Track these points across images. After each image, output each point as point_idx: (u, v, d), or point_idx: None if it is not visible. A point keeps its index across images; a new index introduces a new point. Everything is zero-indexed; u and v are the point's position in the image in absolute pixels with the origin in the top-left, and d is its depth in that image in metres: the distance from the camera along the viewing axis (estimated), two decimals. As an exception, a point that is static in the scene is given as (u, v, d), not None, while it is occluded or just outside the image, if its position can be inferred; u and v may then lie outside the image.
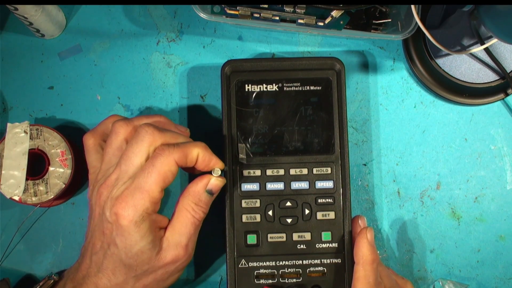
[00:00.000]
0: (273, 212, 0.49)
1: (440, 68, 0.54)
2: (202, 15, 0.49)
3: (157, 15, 0.55)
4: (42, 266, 0.53)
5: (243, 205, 0.49)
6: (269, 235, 0.49)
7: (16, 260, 0.52)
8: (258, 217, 0.49)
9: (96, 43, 0.55)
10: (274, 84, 0.50)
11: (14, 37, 0.55)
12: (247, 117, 0.50)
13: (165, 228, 0.44)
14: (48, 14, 0.52)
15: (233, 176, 0.49)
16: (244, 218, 0.49)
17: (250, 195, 0.49)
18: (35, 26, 0.52)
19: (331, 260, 0.48)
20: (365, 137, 0.55)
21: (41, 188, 0.50)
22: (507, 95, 0.55)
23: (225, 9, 0.50)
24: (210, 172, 0.45)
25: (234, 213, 0.48)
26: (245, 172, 0.49)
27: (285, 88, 0.50)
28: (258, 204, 0.49)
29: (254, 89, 0.50)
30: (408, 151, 0.55)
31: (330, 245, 0.49)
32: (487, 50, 0.54)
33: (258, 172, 0.49)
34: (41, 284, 0.48)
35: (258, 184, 0.49)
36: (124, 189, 0.41)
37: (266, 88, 0.50)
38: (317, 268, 0.48)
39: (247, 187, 0.49)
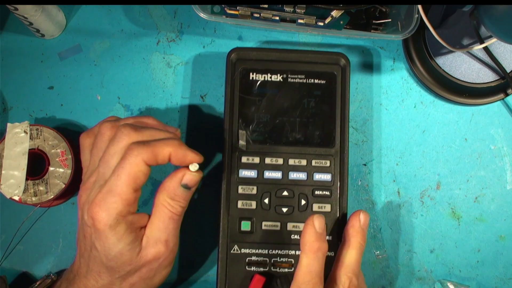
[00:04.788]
0: (269, 200, 0.49)
1: (440, 68, 0.54)
2: (202, 15, 0.49)
3: (157, 15, 0.55)
4: (42, 266, 0.53)
5: (240, 191, 0.48)
6: (263, 223, 0.48)
7: (16, 260, 0.52)
8: (253, 204, 0.48)
9: (96, 43, 0.55)
10: (278, 75, 0.50)
11: (14, 37, 0.55)
12: (249, 105, 0.50)
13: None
14: (48, 14, 0.52)
15: (231, 162, 0.49)
16: (240, 204, 0.48)
17: (247, 181, 0.49)
18: (35, 26, 0.52)
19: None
20: (365, 137, 0.55)
21: (41, 188, 0.50)
22: (507, 95, 0.55)
23: (225, 9, 0.50)
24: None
25: (230, 199, 0.48)
26: (244, 159, 0.49)
27: (289, 80, 0.50)
28: (254, 191, 0.49)
29: (258, 78, 0.50)
30: (408, 151, 0.55)
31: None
32: (487, 50, 0.54)
33: (256, 160, 0.49)
34: (38, 283, 0.48)
35: (256, 171, 0.49)
36: (98, 193, 0.41)
37: (270, 77, 0.50)
38: None
39: (244, 173, 0.49)
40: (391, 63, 0.56)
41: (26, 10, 0.49)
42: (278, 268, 0.48)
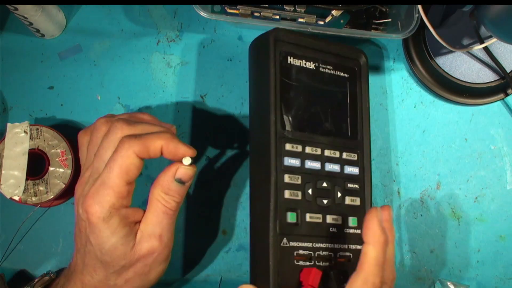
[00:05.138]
0: (312, 191, 0.46)
1: (440, 68, 0.54)
2: (202, 13, 0.49)
3: (157, 15, 0.55)
4: (42, 266, 0.53)
5: (286, 179, 0.45)
6: (307, 215, 0.46)
7: (16, 260, 0.52)
8: (299, 195, 0.46)
9: (96, 43, 0.55)
10: (311, 62, 0.49)
11: (14, 37, 0.55)
12: (289, 90, 0.47)
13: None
14: (48, 14, 0.52)
15: (276, 148, 0.45)
16: (287, 193, 0.45)
17: (292, 170, 0.46)
18: (35, 26, 0.52)
19: (355, 246, 0.47)
20: (365, 137, 0.55)
21: (41, 188, 0.49)
22: (507, 95, 0.55)
23: (226, 8, 0.50)
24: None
25: (277, 188, 0.45)
26: (288, 146, 0.46)
27: (320, 69, 0.49)
28: (299, 181, 0.46)
29: (295, 62, 0.48)
30: (408, 151, 0.55)
31: (355, 231, 0.47)
32: (487, 50, 0.54)
33: (299, 148, 0.46)
34: (36, 280, 0.48)
35: (299, 160, 0.46)
36: (92, 186, 0.41)
37: (305, 64, 0.48)
38: (345, 254, 0.47)
39: (290, 161, 0.46)
40: (391, 63, 0.56)
41: (26, 10, 0.49)
42: (321, 262, 0.45)
